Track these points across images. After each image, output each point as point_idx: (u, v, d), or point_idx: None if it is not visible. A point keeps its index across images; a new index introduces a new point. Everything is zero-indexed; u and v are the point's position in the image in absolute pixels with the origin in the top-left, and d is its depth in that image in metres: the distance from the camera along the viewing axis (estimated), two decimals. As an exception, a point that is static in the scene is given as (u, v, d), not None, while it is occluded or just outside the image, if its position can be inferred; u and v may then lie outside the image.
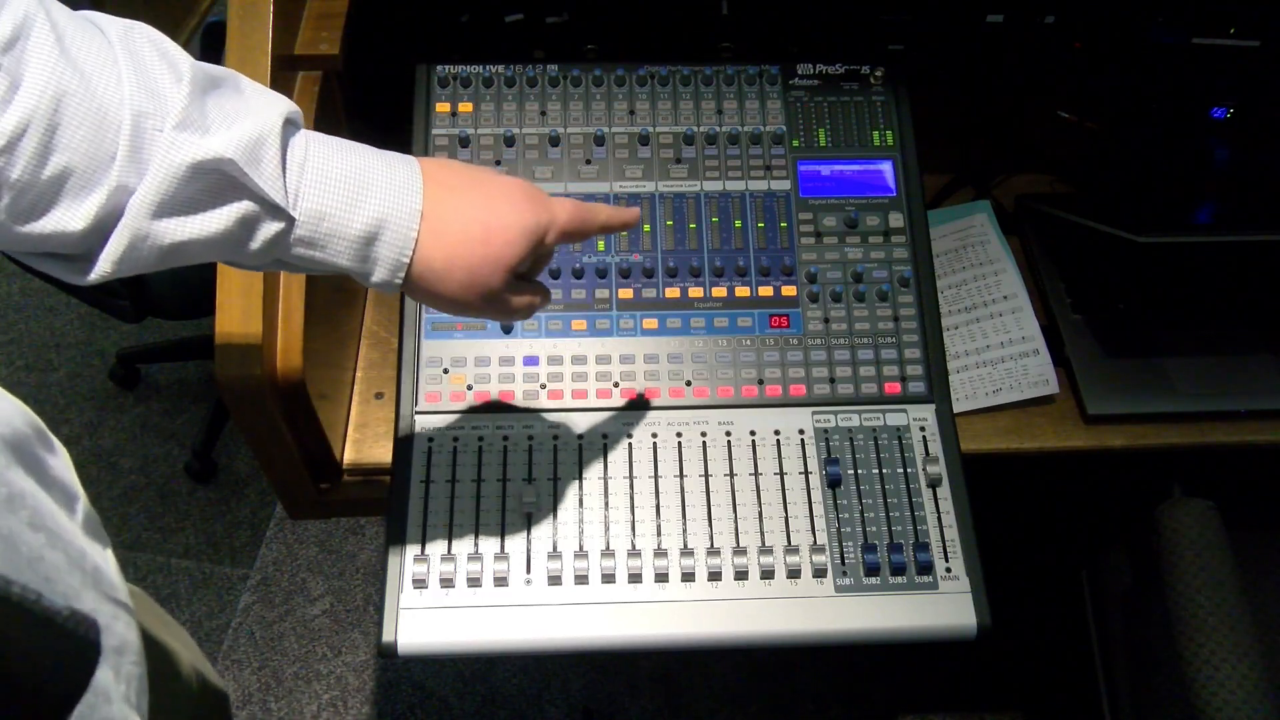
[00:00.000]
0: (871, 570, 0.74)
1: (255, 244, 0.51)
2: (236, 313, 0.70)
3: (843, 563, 0.75)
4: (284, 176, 0.50)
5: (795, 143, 0.90)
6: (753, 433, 0.80)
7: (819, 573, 0.74)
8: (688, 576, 0.74)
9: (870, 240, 0.87)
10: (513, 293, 0.59)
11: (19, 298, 2.07)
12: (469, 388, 0.81)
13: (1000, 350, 0.93)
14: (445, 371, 0.81)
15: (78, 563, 0.43)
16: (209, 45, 1.57)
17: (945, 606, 0.74)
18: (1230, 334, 0.97)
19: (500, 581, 0.73)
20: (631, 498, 0.77)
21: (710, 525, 0.76)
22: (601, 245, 0.86)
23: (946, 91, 0.99)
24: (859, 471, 0.79)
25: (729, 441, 0.80)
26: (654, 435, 0.80)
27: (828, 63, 0.92)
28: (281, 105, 0.51)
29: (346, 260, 0.53)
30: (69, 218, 0.45)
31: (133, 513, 1.78)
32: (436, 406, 0.80)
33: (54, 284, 1.61)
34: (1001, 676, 1.59)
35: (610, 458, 0.78)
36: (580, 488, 0.77)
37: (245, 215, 0.50)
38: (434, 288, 0.56)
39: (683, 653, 1.34)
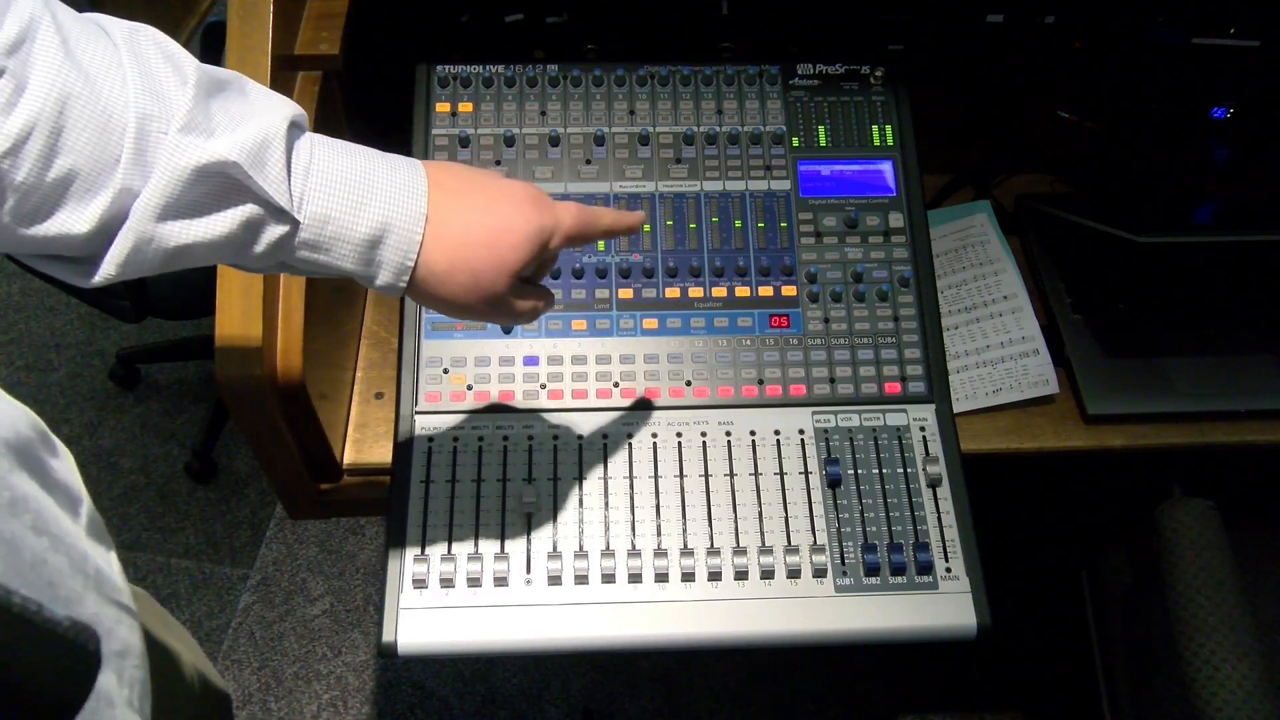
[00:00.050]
0: (871, 570, 0.74)
1: (260, 247, 0.51)
2: (236, 313, 0.70)
3: (843, 563, 0.75)
4: (289, 180, 0.50)
5: (795, 143, 0.90)
6: (753, 433, 0.80)
7: (819, 573, 0.74)
8: (688, 576, 0.74)
9: (870, 240, 0.87)
10: (516, 296, 0.59)
11: (19, 298, 2.07)
12: (469, 388, 0.81)
13: (1000, 350, 0.93)
14: (445, 371, 0.81)
15: (80, 566, 0.43)
16: (209, 45, 1.57)
17: (945, 606, 0.74)
18: (1230, 334, 0.97)
19: (500, 581, 0.73)
20: (631, 498, 0.77)
21: (710, 525, 0.76)
22: (601, 245, 0.86)
23: (946, 91, 0.99)
24: (859, 471, 0.79)
25: (729, 441, 0.80)
26: (654, 435, 0.80)
27: (828, 63, 0.92)
28: (286, 108, 0.51)
29: (351, 264, 0.53)
30: (74, 220, 0.45)
31: (133, 513, 1.78)
32: (436, 406, 0.80)
33: (54, 284, 1.61)
34: (1001, 676, 1.58)
35: (610, 458, 0.78)
36: (580, 488, 0.77)
37: (250, 218, 0.50)
38: (438, 291, 0.56)
39: (683, 653, 1.34)
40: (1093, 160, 1.08)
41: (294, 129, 0.52)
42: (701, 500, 0.77)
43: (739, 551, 0.75)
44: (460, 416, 0.80)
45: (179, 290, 1.53)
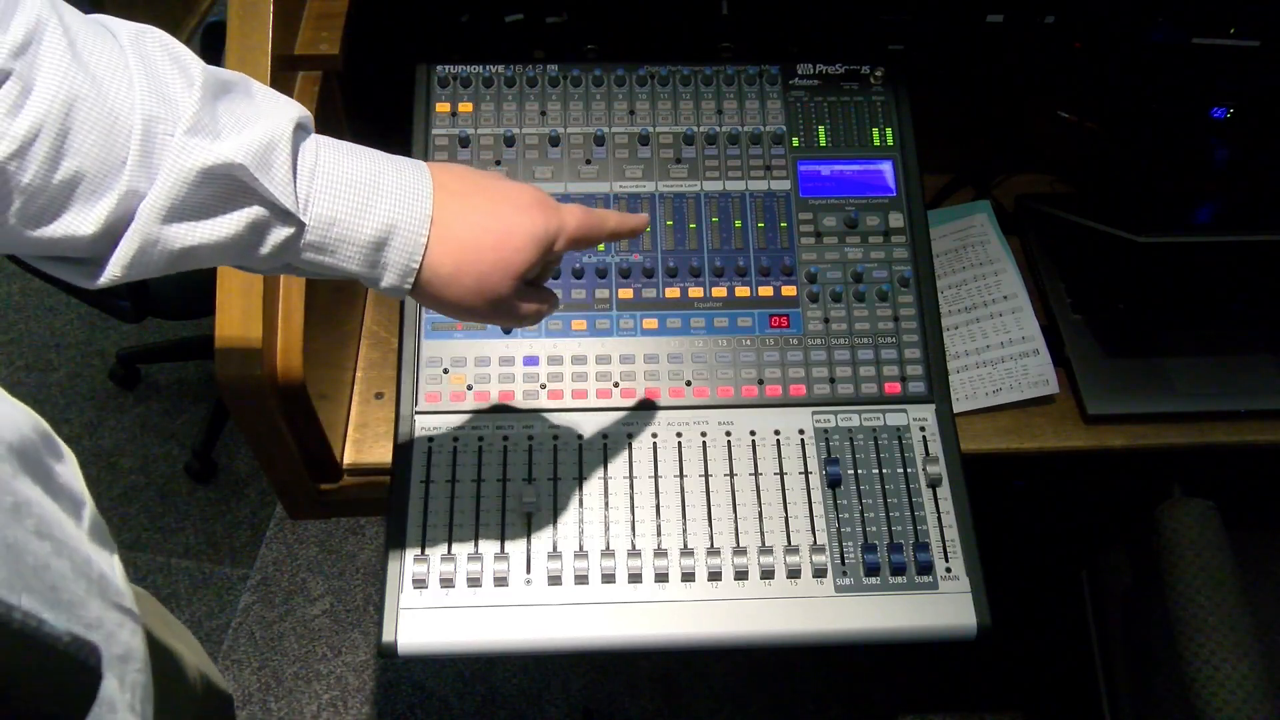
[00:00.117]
0: (871, 570, 0.74)
1: (265, 249, 0.51)
2: (236, 313, 0.70)
3: (843, 563, 0.75)
4: (294, 182, 0.50)
5: (795, 143, 0.90)
6: (753, 433, 0.80)
7: (819, 573, 0.74)
8: (688, 576, 0.74)
9: (870, 240, 0.87)
10: (520, 299, 0.59)
11: (19, 298, 2.07)
12: (469, 388, 0.81)
13: (1000, 350, 0.93)
14: (445, 371, 0.81)
15: (83, 571, 0.43)
16: (209, 45, 1.57)
17: (945, 606, 0.74)
18: (1230, 334, 0.97)
19: (500, 581, 0.73)
20: (631, 498, 0.77)
21: (710, 525, 0.76)
22: (601, 246, 0.86)
23: (946, 91, 0.99)
24: (859, 471, 0.79)
25: (729, 441, 0.80)
26: (654, 435, 0.80)
27: (828, 63, 0.92)
28: (292, 110, 0.51)
29: (356, 265, 0.53)
30: (79, 222, 0.45)
31: (133, 513, 1.78)
32: (436, 406, 0.80)
33: (55, 284, 1.61)
34: (1001, 676, 1.59)
35: (610, 458, 0.78)
36: (580, 488, 0.77)
37: (255, 220, 0.50)
38: (442, 293, 0.56)
39: (683, 653, 1.34)
40: (1093, 160, 1.08)
41: (299, 131, 0.52)
42: (701, 500, 0.77)
43: (739, 551, 0.75)
44: (460, 416, 0.80)
45: (179, 290, 1.53)
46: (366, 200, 0.52)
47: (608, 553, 0.74)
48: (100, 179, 0.45)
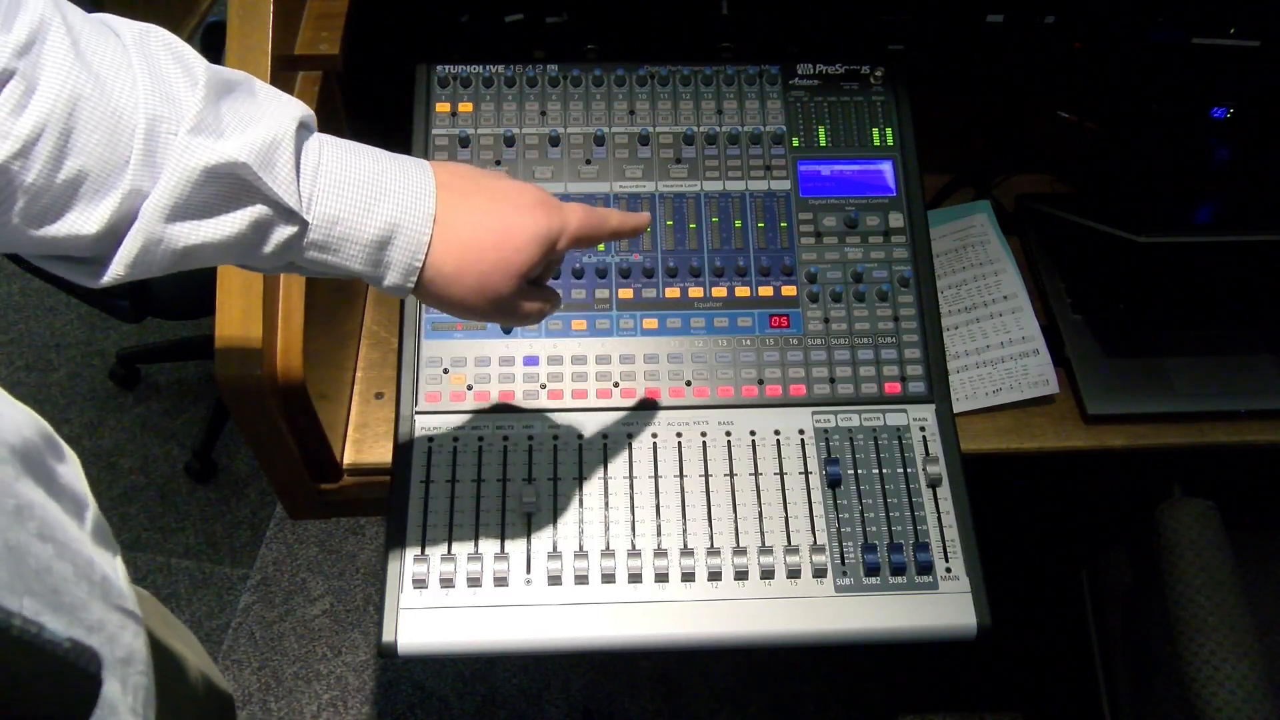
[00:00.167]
0: (871, 570, 0.74)
1: (268, 248, 0.51)
2: (236, 313, 0.70)
3: (843, 563, 0.75)
4: (298, 180, 0.50)
5: (795, 143, 0.90)
6: (753, 433, 0.80)
7: (819, 573, 0.74)
8: (688, 576, 0.74)
9: (870, 240, 0.87)
10: (523, 298, 0.59)
11: (19, 298, 2.07)
12: (469, 388, 0.81)
13: (1000, 350, 0.93)
14: (445, 371, 0.81)
15: (86, 573, 0.43)
16: (209, 45, 1.57)
17: (945, 606, 0.74)
18: (1230, 334, 0.97)
19: (500, 581, 0.73)
20: (631, 498, 0.77)
21: (710, 525, 0.76)
22: (601, 246, 0.86)
23: (946, 91, 0.99)
24: (859, 471, 0.79)
25: (729, 441, 0.80)
26: (654, 435, 0.80)
27: (828, 63, 0.92)
28: (295, 109, 0.51)
29: (359, 264, 0.54)
30: (83, 221, 0.45)
31: (133, 513, 1.78)
32: (436, 406, 0.80)
33: (55, 284, 1.61)
34: (1001, 676, 1.59)
35: (610, 458, 0.78)
36: (580, 488, 0.77)
37: (259, 219, 0.50)
38: (445, 292, 0.56)
39: (683, 653, 1.34)
40: (1093, 160, 1.08)
41: (302, 130, 0.52)
42: (701, 500, 0.77)
43: (739, 551, 0.75)
44: (460, 416, 0.80)
45: (179, 290, 1.53)
46: (370, 199, 0.52)
47: (608, 553, 0.74)
48: (104, 178, 0.45)
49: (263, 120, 0.49)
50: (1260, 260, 1.01)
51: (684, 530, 0.76)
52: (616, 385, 0.82)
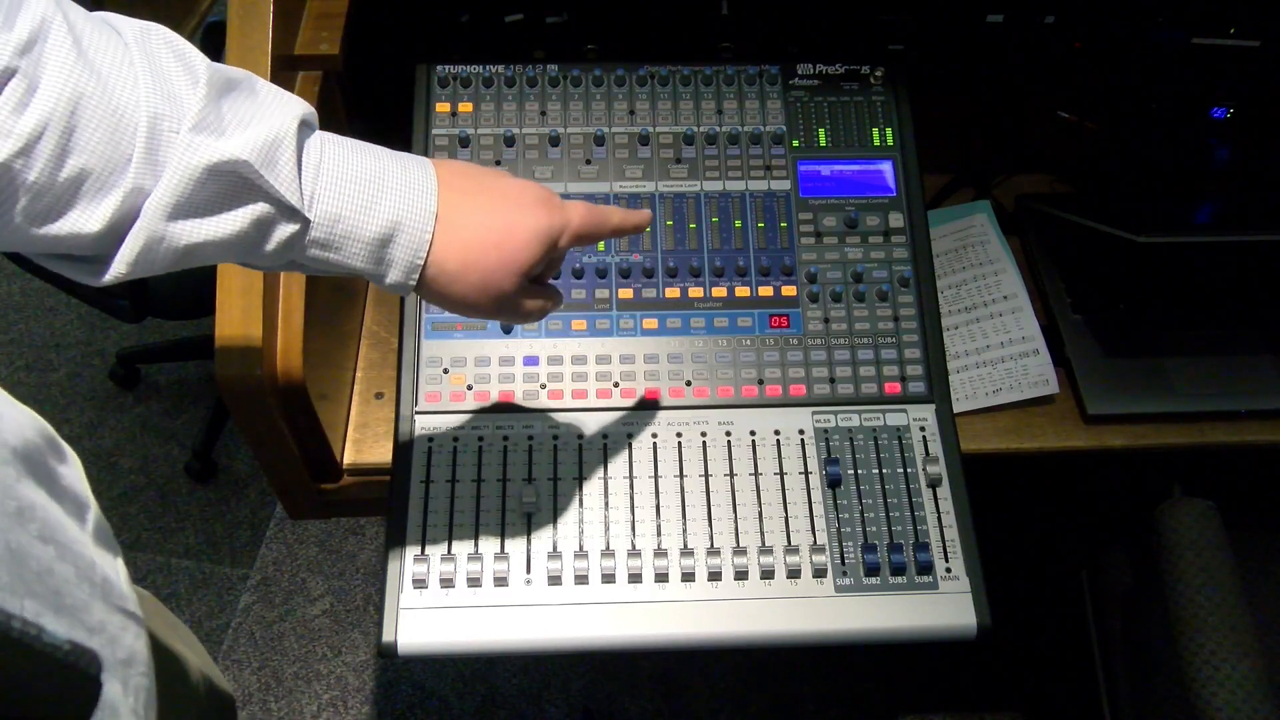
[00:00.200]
0: (871, 570, 0.74)
1: (270, 246, 0.51)
2: (236, 313, 0.70)
3: (843, 563, 0.75)
4: (299, 178, 0.50)
5: (795, 143, 0.90)
6: (753, 433, 0.80)
7: (819, 573, 0.74)
8: (688, 576, 0.74)
9: (870, 240, 0.87)
10: (525, 296, 0.60)
11: (19, 298, 2.07)
12: (469, 388, 0.81)
13: (1000, 350, 0.93)
14: (445, 371, 0.81)
15: (87, 574, 0.43)
16: (209, 45, 1.57)
17: (945, 606, 0.74)
18: (1230, 334, 0.97)
19: (500, 581, 0.73)
20: (631, 498, 0.77)
21: (710, 525, 0.76)
22: (601, 245, 0.86)
23: (946, 91, 0.99)
24: (859, 471, 0.79)
25: (729, 441, 0.80)
26: (654, 435, 0.80)
27: (828, 63, 0.92)
28: (297, 107, 0.51)
29: (361, 262, 0.54)
30: (85, 220, 0.45)
31: (133, 513, 1.78)
32: (436, 406, 0.80)
33: (55, 284, 1.61)
34: (1001, 676, 1.59)
35: (610, 458, 0.78)
36: (580, 488, 0.77)
37: (260, 217, 0.50)
38: (447, 290, 0.56)
39: (683, 653, 1.34)
40: (1093, 160, 1.08)
41: (304, 128, 0.52)
42: (701, 500, 0.77)
43: (739, 551, 0.75)
44: (460, 416, 0.80)
45: (179, 290, 1.53)
46: (372, 197, 0.52)
47: (608, 553, 0.74)
48: (105, 176, 0.45)
49: (264, 118, 0.49)
50: (1260, 260, 1.01)
51: (684, 530, 0.76)
52: (616, 385, 0.82)
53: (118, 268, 0.47)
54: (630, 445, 0.79)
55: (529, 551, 0.74)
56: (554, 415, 0.80)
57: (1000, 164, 1.10)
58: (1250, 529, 1.05)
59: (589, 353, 0.82)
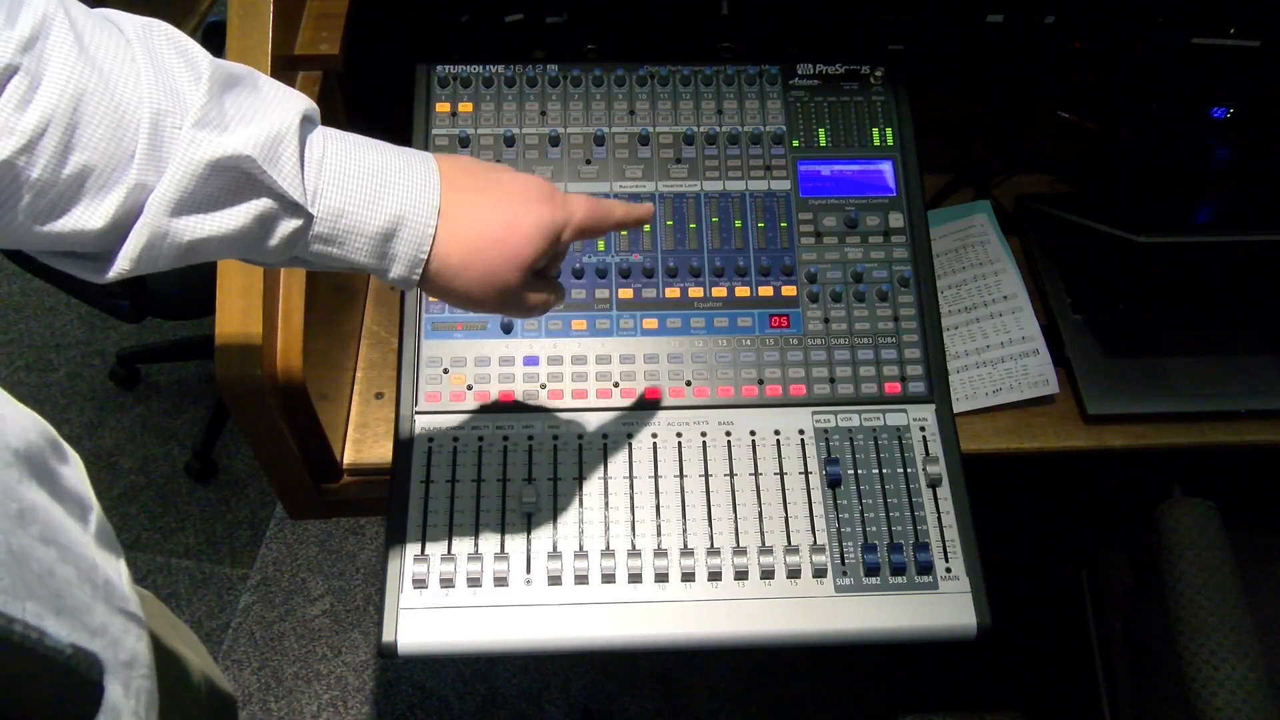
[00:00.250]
0: (871, 570, 0.74)
1: (273, 241, 0.51)
2: (236, 313, 0.70)
3: (843, 563, 0.75)
4: (302, 174, 0.50)
5: (795, 143, 0.90)
6: (753, 433, 0.80)
7: (819, 573, 0.74)
8: (688, 576, 0.74)
9: (870, 240, 0.87)
10: (528, 290, 0.60)
11: (19, 298, 2.07)
12: (469, 388, 0.81)
13: (1000, 350, 0.93)
14: (445, 371, 0.81)
15: (89, 576, 0.43)
16: (209, 45, 1.56)
17: (945, 606, 0.74)
18: (1230, 334, 0.97)
19: (500, 581, 0.73)
20: (631, 498, 0.77)
21: (710, 525, 0.76)
22: (601, 245, 0.86)
23: (946, 91, 0.99)
24: (859, 471, 0.79)
25: (729, 441, 0.80)
26: (654, 435, 0.80)
27: (828, 63, 0.92)
28: (299, 103, 0.51)
29: (364, 257, 0.54)
30: (88, 216, 0.45)
31: (133, 513, 1.78)
32: (436, 406, 0.80)
33: (54, 283, 1.61)
34: (1001, 676, 1.58)
35: (610, 458, 0.78)
36: (580, 488, 0.77)
37: (264, 213, 0.50)
38: (451, 284, 0.56)
39: (683, 653, 1.34)
40: (1093, 160, 1.08)
41: (307, 123, 0.52)
42: (701, 500, 0.77)
43: (739, 551, 0.75)
44: (460, 416, 0.80)
45: (179, 290, 1.53)
46: (375, 192, 0.52)
47: (608, 553, 0.74)
48: (109, 173, 0.45)
49: (267, 114, 0.49)
50: (1260, 260, 1.01)
51: (684, 530, 0.76)
52: (616, 385, 0.82)
53: (121, 264, 0.47)
54: (630, 445, 0.79)
55: (529, 551, 0.74)
56: (554, 415, 0.80)
57: (1000, 164, 1.10)
58: (1250, 529, 1.05)
59: (589, 353, 0.82)
